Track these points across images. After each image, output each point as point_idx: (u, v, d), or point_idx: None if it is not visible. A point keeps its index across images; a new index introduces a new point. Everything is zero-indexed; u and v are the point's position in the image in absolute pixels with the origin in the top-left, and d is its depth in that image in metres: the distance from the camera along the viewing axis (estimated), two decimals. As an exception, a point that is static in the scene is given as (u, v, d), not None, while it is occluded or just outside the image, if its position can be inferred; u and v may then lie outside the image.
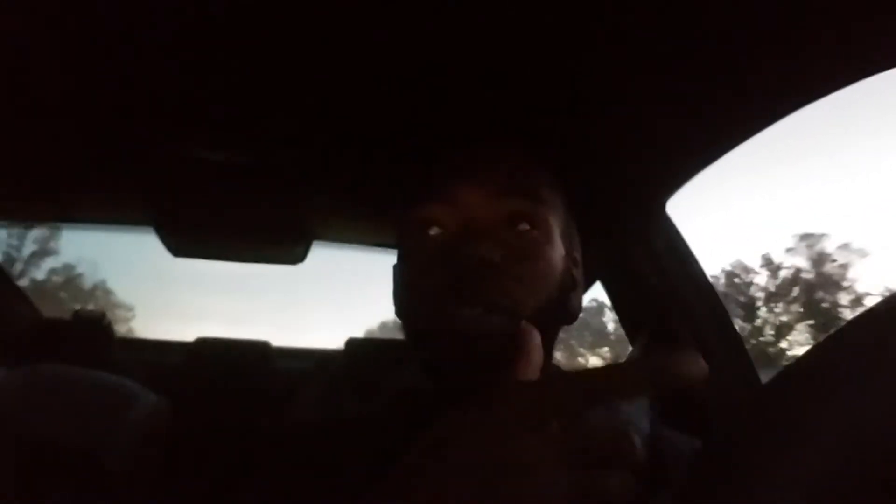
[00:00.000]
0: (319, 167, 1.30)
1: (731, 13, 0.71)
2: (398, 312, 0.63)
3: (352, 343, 1.79)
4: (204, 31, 0.84)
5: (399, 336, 1.78)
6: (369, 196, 1.44)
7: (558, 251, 0.58)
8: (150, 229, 1.61)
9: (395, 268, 0.64)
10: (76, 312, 1.77)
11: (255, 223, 1.62)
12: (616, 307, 1.30)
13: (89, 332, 1.64)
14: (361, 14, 0.78)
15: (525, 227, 0.56)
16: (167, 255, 1.75)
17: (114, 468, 1.02)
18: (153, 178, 1.39)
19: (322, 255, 1.91)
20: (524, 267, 0.55)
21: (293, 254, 1.81)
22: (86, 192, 1.53)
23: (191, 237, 1.69)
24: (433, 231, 0.57)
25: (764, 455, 0.24)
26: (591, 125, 0.99)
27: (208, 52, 0.89)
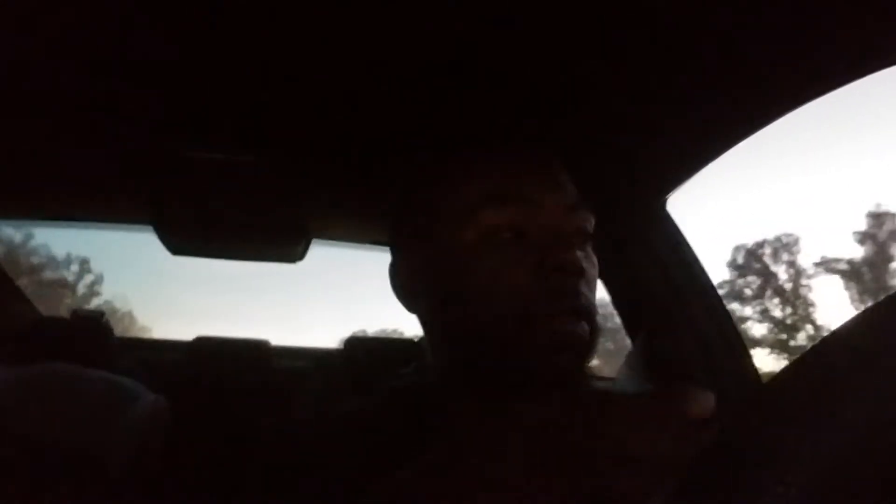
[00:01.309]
0: (318, 165, 1.31)
1: (732, 13, 0.71)
2: (423, 310, 0.63)
3: (351, 341, 1.79)
4: (204, 30, 0.84)
5: (397, 335, 1.79)
6: (368, 194, 1.44)
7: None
8: (150, 228, 1.62)
9: (417, 263, 0.62)
10: (75, 311, 1.77)
11: (254, 221, 1.62)
12: (616, 305, 1.30)
13: (88, 331, 1.63)
14: (362, 14, 0.78)
15: (587, 238, 0.60)
16: (166, 254, 1.75)
17: (113, 467, 1.02)
18: (152, 177, 1.39)
19: (321, 254, 1.91)
20: (592, 278, 0.59)
21: (292, 252, 1.81)
22: (85, 191, 1.53)
23: (190, 236, 1.69)
24: (517, 234, 0.57)
25: (764, 454, 0.24)
26: (592, 123, 0.99)
27: (208, 51, 0.89)
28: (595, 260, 0.60)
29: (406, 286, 0.64)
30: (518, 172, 0.60)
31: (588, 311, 0.56)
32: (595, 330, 0.57)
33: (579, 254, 0.56)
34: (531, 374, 0.55)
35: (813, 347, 0.28)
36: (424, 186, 0.64)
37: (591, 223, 0.60)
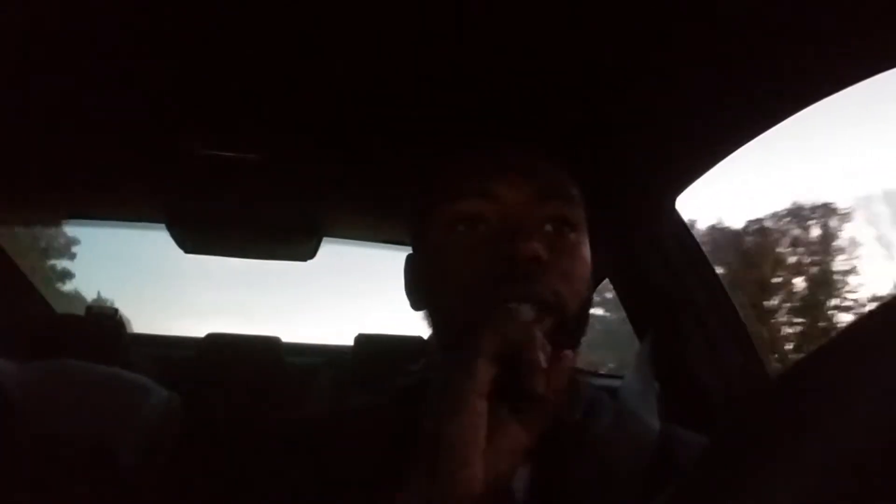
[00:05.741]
0: (329, 165, 1.31)
1: (740, 13, 0.71)
2: (421, 306, 0.62)
3: (361, 339, 1.80)
4: (218, 29, 0.85)
5: (407, 332, 1.80)
6: (379, 193, 1.45)
7: (588, 251, 0.59)
8: (163, 226, 1.63)
9: (414, 261, 0.64)
10: (89, 308, 1.78)
11: (265, 220, 1.64)
12: (624, 303, 1.30)
13: (102, 328, 1.65)
14: (374, 15, 0.78)
15: (565, 228, 0.57)
16: (179, 252, 1.77)
17: (126, 463, 1.03)
18: (165, 176, 1.40)
19: (332, 252, 1.92)
20: (567, 267, 0.55)
21: (303, 250, 1.82)
22: (99, 190, 1.55)
23: (202, 234, 1.71)
24: (474, 226, 0.56)
25: (770, 451, 0.24)
26: (602, 123, 0.99)
27: (222, 50, 0.90)
28: (579, 251, 0.58)
29: (407, 285, 0.65)
30: (478, 168, 0.59)
31: (550, 301, 0.52)
32: (564, 322, 0.53)
33: (544, 244, 0.53)
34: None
35: (821, 346, 0.27)
36: (417, 188, 0.65)
37: (570, 212, 0.58)
